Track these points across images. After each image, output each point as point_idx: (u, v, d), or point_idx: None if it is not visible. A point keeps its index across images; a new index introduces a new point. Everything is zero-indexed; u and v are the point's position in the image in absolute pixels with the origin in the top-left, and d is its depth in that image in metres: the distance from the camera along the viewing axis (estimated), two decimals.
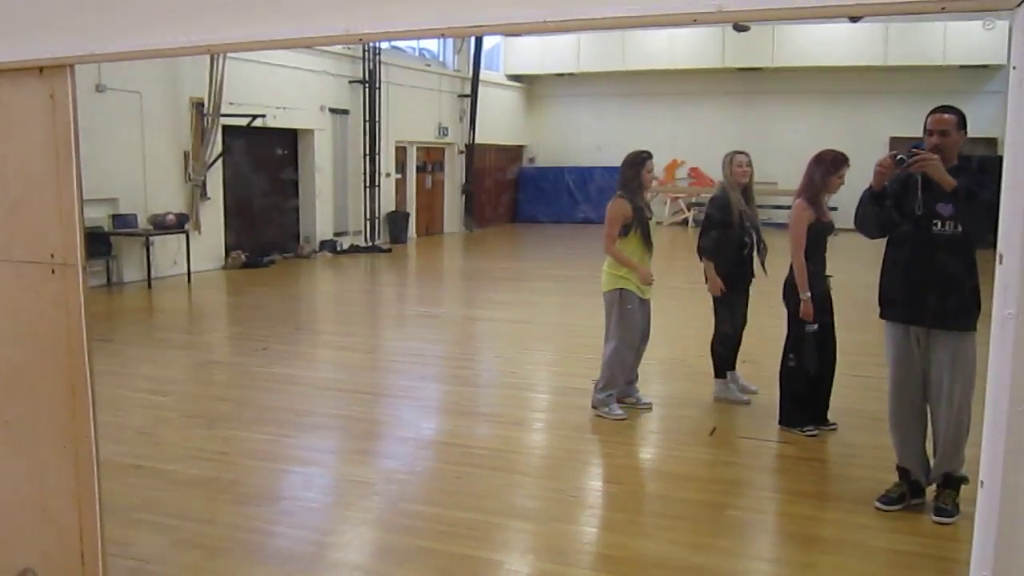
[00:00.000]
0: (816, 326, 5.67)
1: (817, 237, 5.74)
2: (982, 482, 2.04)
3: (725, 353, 6.61)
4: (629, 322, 6.15)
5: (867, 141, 21.26)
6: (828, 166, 5.68)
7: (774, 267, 6.62)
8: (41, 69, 2.98)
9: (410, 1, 2.32)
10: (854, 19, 18.06)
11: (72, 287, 3.08)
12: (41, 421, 3.21)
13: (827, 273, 5.87)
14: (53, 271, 3.09)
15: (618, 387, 6.24)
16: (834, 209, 22.17)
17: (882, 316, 4.67)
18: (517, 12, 2.20)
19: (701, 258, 6.51)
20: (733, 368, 6.72)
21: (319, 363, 8.33)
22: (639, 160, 6.16)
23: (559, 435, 6.15)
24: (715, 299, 6.54)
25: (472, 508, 4.62)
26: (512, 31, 2.39)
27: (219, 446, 5.61)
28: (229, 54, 13.92)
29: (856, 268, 13.52)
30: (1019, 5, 1.85)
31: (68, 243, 3.05)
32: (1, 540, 3.39)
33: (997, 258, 1.95)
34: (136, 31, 2.77)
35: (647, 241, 6.15)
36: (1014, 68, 1.89)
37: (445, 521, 4.44)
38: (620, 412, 6.16)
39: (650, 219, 6.27)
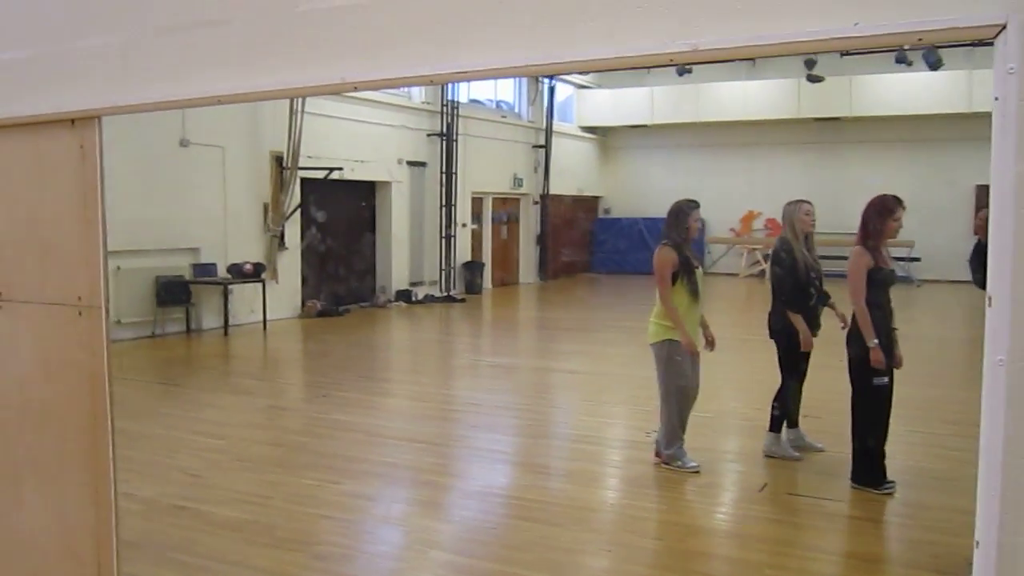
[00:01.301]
0: (886, 379, 5.46)
1: (878, 285, 5.54)
2: (977, 542, 1.92)
3: (786, 407, 6.41)
4: (680, 373, 6.02)
5: (953, 189, 20.73)
6: (882, 210, 5.50)
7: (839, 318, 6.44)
8: (73, 121, 3.12)
9: (398, 50, 2.37)
10: (934, 67, 17.67)
11: (96, 328, 3.17)
12: (65, 457, 3.30)
13: (894, 326, 5.63)
14: (80, 313, 3.19)
15: (681, 439, 6.09)
16: (917, 260, 21.60)
17: None
18: (498, 57, 2.21)
19: (779, 314, 6.33)
20: (796, 425, 6.51)
21: (378, 411, 8.38)
22: (685, 209, 6.08)
23: (607, 488, 6.05)
24: (781, 352, 6.36)
25: (504, 560, 4.56)
26: (495, 76, 2.42)
27: (264, 490, 5.67)
28: (307, 110, 14.49)
29: (928, 321, 13.10)
30: (998, 34, 1.78)
31: (93, 286, 3.16)
32: (27, 572, 3.48)
33: (987, 301, 1.85)
34: (153, 84, 2.88)
35: (694, 291, 6.03)
36: (996, 99, 1.81)
37: (474, 572, 4.40)
38: (693, 464, 6.01)
39: (697, 268, 6.14)
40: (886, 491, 5.52)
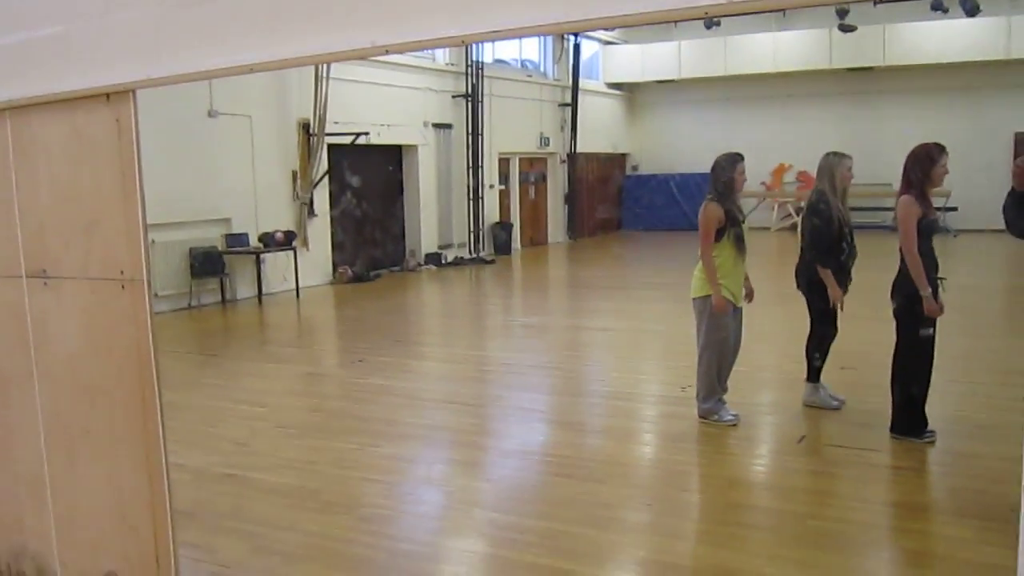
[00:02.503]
0: (931, 330, 5.42)
1: (925, 234, 5.46)
2: None
3: (821, 357, 6.38)
4: (722, 328, 6.01)
5: (991, 138, 20.35)
6: (926, 159, 5.41)
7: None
8: (108, 95, 3.15)
9: (429, 12, 2.36)
10: (971, 13, 17.27)
11: (140, 302, 3.23)
12: (117, 430, 3.38)
13: (940, 275, 5.55)
14: (123, 287, 3.25)
15: (719, 393, 6.11)
16: (953, 209, 21.31)
17: None
18: (529, 15, 2.20)
19: (807, 271, 6.29)
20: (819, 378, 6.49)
21: (414, 374, 8.45)
22: (731, 162, 6.01)
23: (645, 443, 6.10)
24: (811, 303, 6.32)
25: (546, 516, 4.62)
26: (525, 34, 2.39)
27: (308, 455, 5.76)
28: (332, 75, 14.48)
29: (966, 271, 12.93)
30: None
31: (135, 260, 3.20)
32: (87, 544, 3.58)
33: None
34: (186, 56, 2.90)
35: (740, 246, 5.99)
36: None
37: (518, 529, 4.45)
38: (730, 417, 6.04)
39: (743, 222, 6.10)
40: (927, 440, 5.51)
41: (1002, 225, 4.74)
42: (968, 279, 12.44)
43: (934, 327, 5.45)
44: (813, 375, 6.40)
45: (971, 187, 19.12)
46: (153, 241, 11.89)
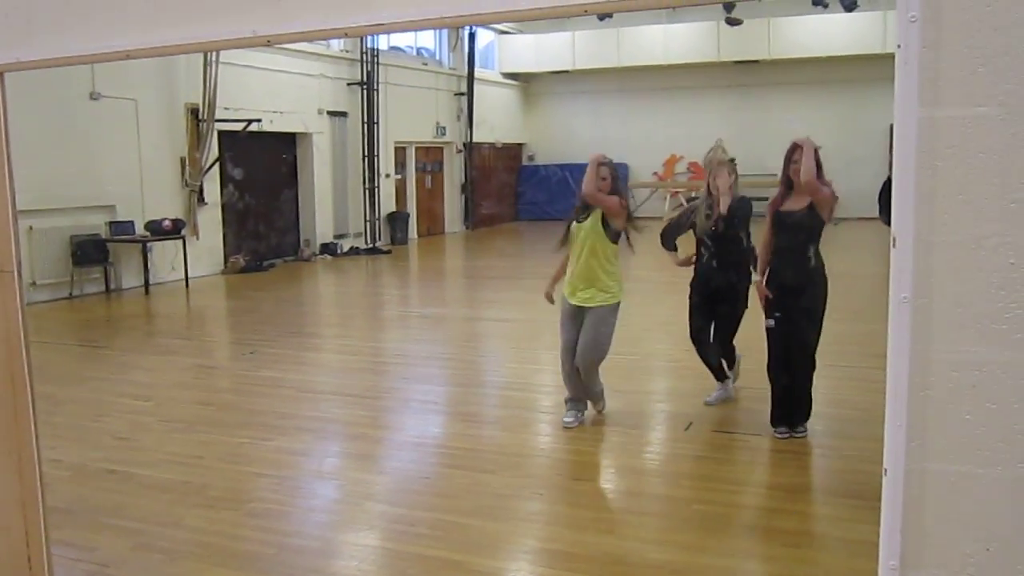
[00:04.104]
0: (772, 322, 5.54)
1: (777, 228, 5.61)
2: (886, 470, 2.02)
3: (702, 358, 6.37)
4: (561, 330, 5.98)
5: (868, 130, 21.21)
6: (785, 157, 5.58)
7: None
8: None
9: (313, 2, 2.32)
10: (849, 8, 17.96)
11: (9, 293, 3.09)
12: None
13: (795, 269, 5.63)
14: None
15: (567, 393, 6.01)
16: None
17: None
18: (415, 9, 2.19)
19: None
20: (726, 377, 6.46)
21: (307, 366, 8.33)
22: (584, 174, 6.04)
23: (537, 433, 6.14)
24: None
25: (439, 508, 4.63)
26: (410, 28, 2.37)
27: (194, 450, 5.62)
28: (223, 60, 14.09)
29: (848, 258, 13.47)
30: None
31: (4, 250, 3.06)
32: None
33: (891, 242, 1.92)
34: (57, 39, 2.78)
35: (567, 242, 5.95)
36: (899, 47, 1.87)
37: (409, 521, 4.45)
38: (568, 419, 5.93)
39: (583, 221, 5.92)
40: (781, 435, 5.56)
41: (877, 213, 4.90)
42: (848, 266, 12.96)
43: (778, 319, 5.50)
44: (717, 375, 6.36)
45: (851, 177, 19.92)
46: (31, 227, 11.39)
